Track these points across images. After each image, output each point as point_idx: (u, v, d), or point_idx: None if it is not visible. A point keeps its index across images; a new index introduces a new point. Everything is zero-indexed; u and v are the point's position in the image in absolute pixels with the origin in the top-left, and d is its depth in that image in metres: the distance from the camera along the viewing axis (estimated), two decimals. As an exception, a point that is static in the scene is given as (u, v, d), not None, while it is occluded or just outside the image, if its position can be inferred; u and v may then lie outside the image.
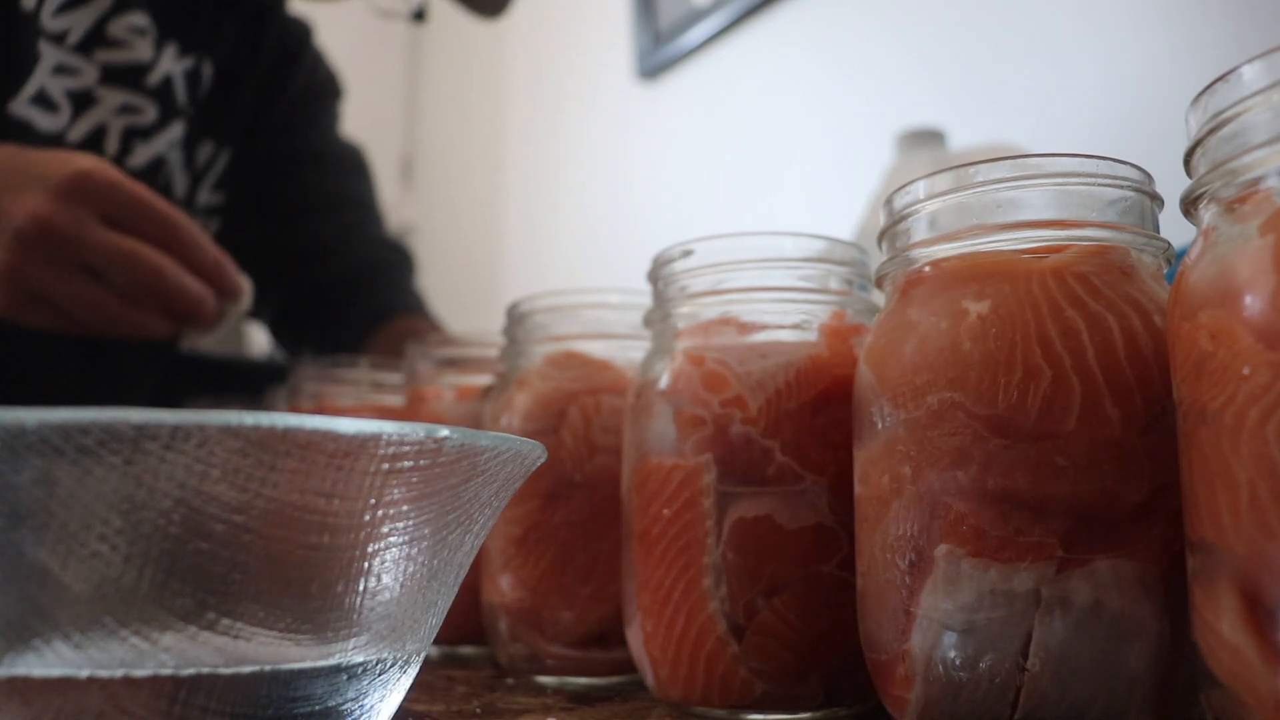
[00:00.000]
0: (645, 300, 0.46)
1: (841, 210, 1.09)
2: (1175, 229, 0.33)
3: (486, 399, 0.54)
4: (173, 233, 0.58)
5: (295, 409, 0.72)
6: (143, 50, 0.74)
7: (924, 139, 0.89)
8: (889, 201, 0.36)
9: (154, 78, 0.76)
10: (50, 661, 0.24)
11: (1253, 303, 0.24)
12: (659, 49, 1.54)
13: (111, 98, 0.73)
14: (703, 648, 0.37)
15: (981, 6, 1.08)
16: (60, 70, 0.71)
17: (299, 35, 0.94)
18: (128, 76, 0.74)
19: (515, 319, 0.52)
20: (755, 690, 0.37)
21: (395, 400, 0.70)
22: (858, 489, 0.34)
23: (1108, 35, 0.95)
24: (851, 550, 0.36)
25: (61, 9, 0.70)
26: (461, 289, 2.06)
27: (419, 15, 0.87)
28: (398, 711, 0.35)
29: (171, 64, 0.77)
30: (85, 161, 0.57)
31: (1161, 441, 0.29)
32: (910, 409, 0.31)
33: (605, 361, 0.49)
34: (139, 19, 0.73)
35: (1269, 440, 0.23)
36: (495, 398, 0.52)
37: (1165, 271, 0.34)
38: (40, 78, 0.70)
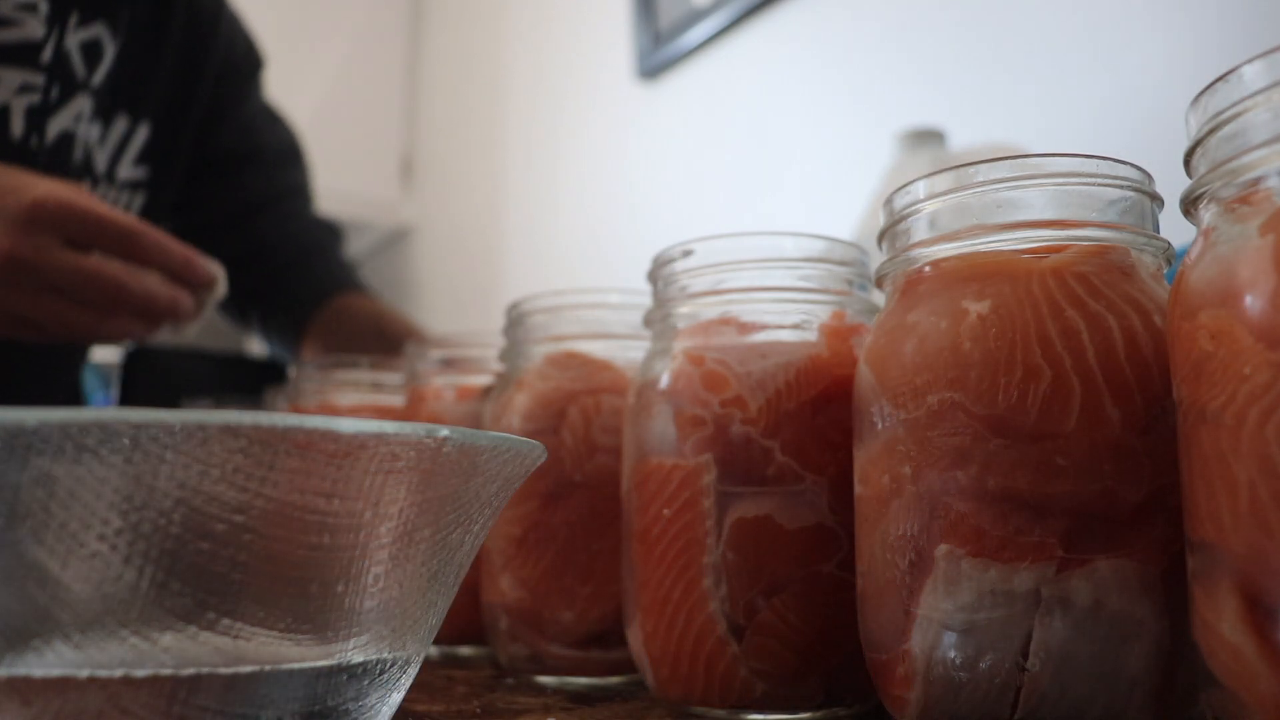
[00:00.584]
0: (645, 300, 0.46)
1: (841, 210, 1.09)
2: (1175, 229, 0.33)
3: (486, 399, 0.54)
4: (133, 241, 0.62)
5: (296, 409, 0.72)
6: (33, 27, 0.74)
7: (924, 139, 0.89)
8: (889, 201, 0.36)
9: (47, 54, 0.75)
10: (50, 661, 0.24)
11: (1253, 303, 0.24)
12: (659, 49, 1.54)
13: (9, 77, 0.74)
14: (703, 648, 0.37)
15: (981, 6, 1.08)
16: None
17: (211, 5, 0.94)
18: (21, 55, 0.74)
19: (515, 319, 0.52)
20: (755, 690, 0.37)
21: (395, 400, 0.70)
22: (858, 489, 0.34)
23: (1108, 35, 0.95)
24: (851, 550, 0.36)
25: None
26: (461, 289, 2.06)
27: None
28: (398, 711, 0.35)
29: (69, 37, 0.77)
30: (39, 189, 0.60)
31: (1161, 441, 0.29)
32: (910, 409, 0.31)
33: (605, 361, 0.49)
34: None
35: (1269, 440, 0.23)
36: (495, 398, 0.52)
37: (1165, 271, 0.34)
38: None
